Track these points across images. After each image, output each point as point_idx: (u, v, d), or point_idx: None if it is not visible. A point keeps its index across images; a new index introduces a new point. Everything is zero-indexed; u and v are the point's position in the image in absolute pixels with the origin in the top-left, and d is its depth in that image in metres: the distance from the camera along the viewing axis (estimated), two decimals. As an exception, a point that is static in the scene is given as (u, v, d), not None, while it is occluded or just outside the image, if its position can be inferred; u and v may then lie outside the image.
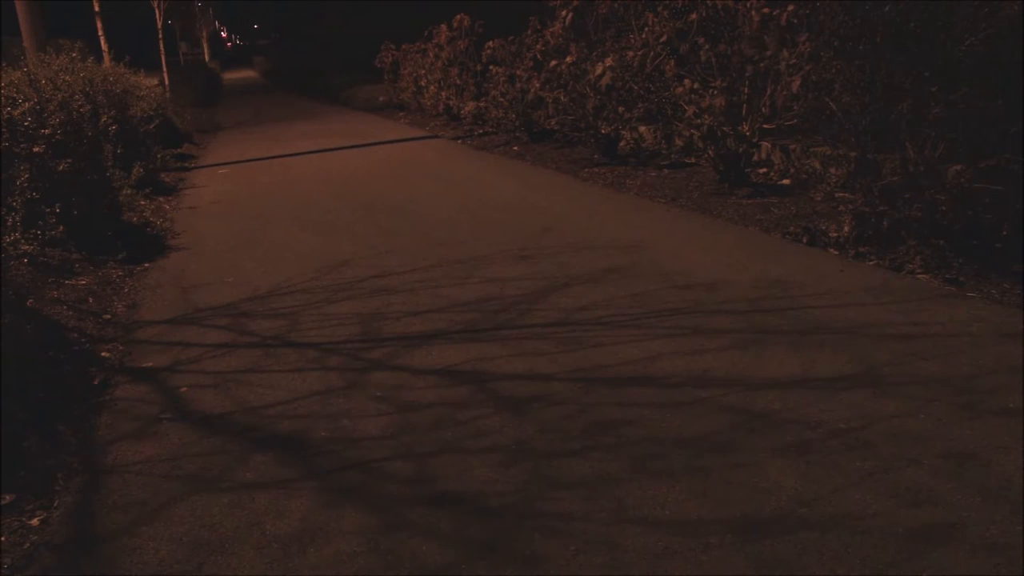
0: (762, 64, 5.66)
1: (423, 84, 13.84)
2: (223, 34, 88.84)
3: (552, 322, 3.60)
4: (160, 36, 18.10)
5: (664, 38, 6.48)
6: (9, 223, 4.73)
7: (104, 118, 6.32)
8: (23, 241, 4.69)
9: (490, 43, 10.31)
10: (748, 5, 5.68)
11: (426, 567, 1.99)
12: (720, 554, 1.94)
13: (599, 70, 7.17)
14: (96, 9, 13.01)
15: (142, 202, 6.95)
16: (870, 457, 2.30)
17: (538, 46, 8.78)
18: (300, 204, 6.97)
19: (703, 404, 2.71)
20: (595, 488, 2.26)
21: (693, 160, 7.20)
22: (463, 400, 2.89)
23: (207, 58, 44.73)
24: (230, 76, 41.10)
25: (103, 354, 3.63)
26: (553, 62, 8.03)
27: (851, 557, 1.89)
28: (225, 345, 3.65)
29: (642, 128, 8.14)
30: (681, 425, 2.57)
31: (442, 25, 12.26)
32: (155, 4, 17.29)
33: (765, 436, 2.46)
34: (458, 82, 12.08)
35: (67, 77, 5.82)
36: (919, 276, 3.85)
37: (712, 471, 2.30)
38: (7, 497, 2.45)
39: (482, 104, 11.06)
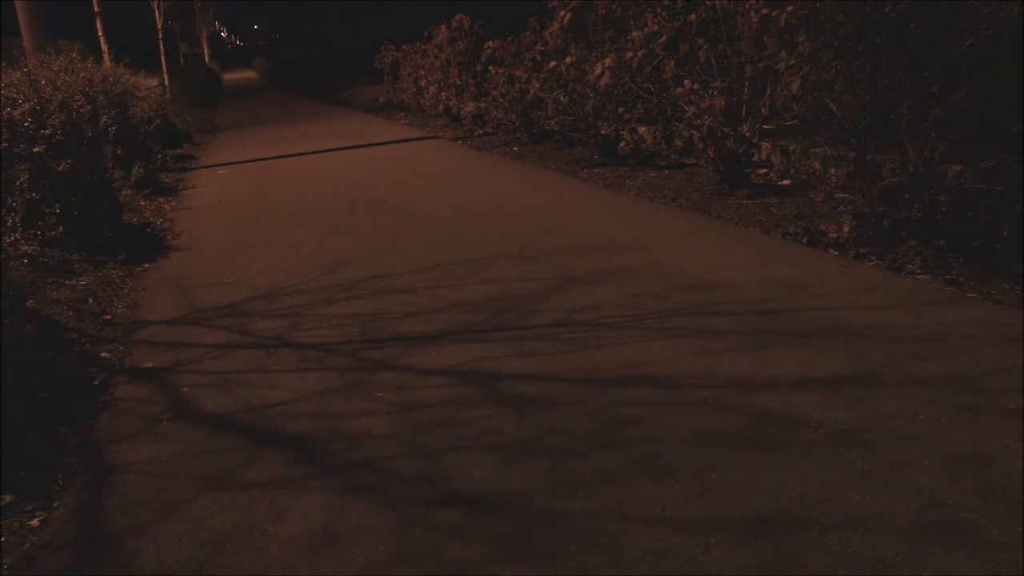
0: (761, 64, 5.66)
1: (423, 84, 13.84)
2: (223, 34, 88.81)
3: (553, 323, 3.60)
4: (160, 36, 18.10)
5: (663, 39, 6.48)
6: (9, 223, 4.73)
7: (104, 119, 6.32)
8: (23, 241, 4.69)
9: (489, 43, 10.31)
10: (747, 6, 5.68)
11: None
12: (721, 552, 1.94)
13: (598, 70, 7.16)
14: (96, 9, 13.02)
15: (142, 203, 6.96)
16: (869, 458, 2.31)
17: (537, 46, 8.78)
18: (300, 205, 6.97)
19: (704, 404, 2.72)
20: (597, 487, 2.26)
21: (693, 161, 7.20)
22: (464, 399, 2.90)
23: (207, 58, 44.72)
24: (230, 76, 41.07)
25: (103, 354, 3.63)
26: (552, 63, 8.02)
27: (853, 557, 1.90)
28: (226, 345, 3.65)
29: (642, 129, 8.14)
30: (682, 424, 2.58)
31: (442, 25, 12.25)
32: (155, 4, 17.29)
33: (766, 435, 2.46)
34: (458, 82, 12.08)
35: (67, 77, 5.81)
36: (919, 277, 3.85)
37: (714, 469, 2.30)
38: (7, 497, 2.45)
39: (482, 105, 11.06)
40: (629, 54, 6.93)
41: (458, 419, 2.74)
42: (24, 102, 4.93)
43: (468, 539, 2.09)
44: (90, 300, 4.36)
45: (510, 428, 2.65)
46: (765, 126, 5.97)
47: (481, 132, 11.21)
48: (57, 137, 4.98)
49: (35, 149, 4.82)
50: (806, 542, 1.96)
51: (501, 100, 10.00)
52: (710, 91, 5.95)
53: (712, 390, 2.81)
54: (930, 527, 1.99)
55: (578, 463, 2.39)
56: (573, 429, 2.60)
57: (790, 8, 5.38)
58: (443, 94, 12.84)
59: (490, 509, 2.20)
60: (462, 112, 11.91)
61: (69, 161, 5.00)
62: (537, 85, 8.76)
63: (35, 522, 2.34)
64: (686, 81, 6.19)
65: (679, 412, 2.67)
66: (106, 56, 12.28)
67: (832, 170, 5.40)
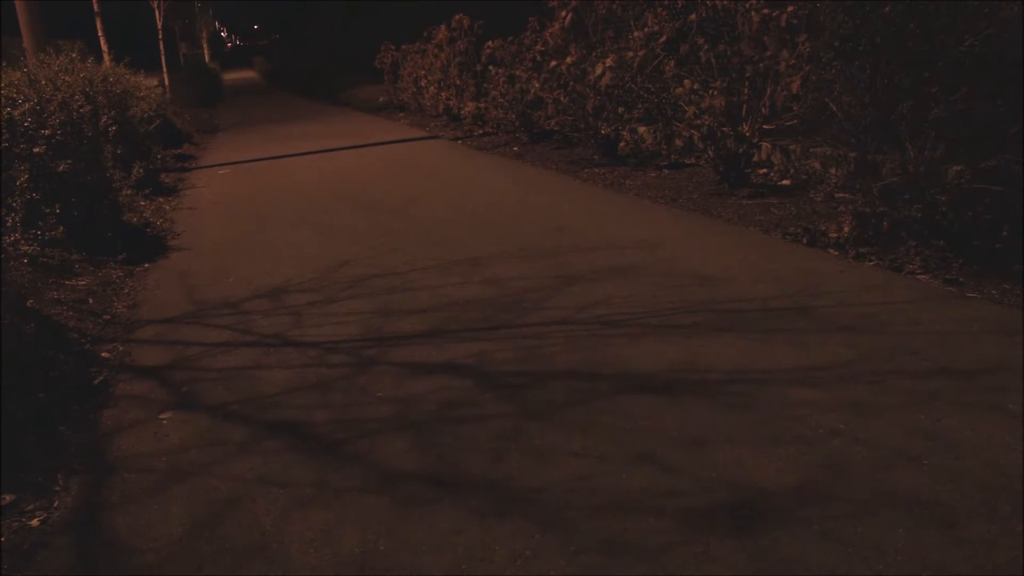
0: (762, 64, 5.67)
1: (423, 84, 13.85)
2: (223, 34, 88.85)
3: (553, 321, 3.60)
4: (160, 36, 18.10)
5: (663, 39, 6.49)
6: (9, 223, 4.73)
7: (104, 119, 6.32)
8: (23, 242, 4.68)
9: (489, 43, 10.32)
10: (748, 6, 5.69)
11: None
12: (714, 540, 1.95)
13: (599, 70, 7.17)
14: (96, 9, 13.02)
15: (142, 202, 6.96)
16: (870, 456, 2.31)
17: (537, 46, 8.78)
18: (301, 204, 6.97)
19: (705, 402, 2.72)
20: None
21: (693, 161, 7.20)
22: (463, 393, 2.90)
23: (207, 58, 44.70)
24: (230, 76, 41.09)
25: (103, 354, 3.63)
26: (552, 62, 8.03)
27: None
28: (226, 344, 3.65)
29: (642, 128, 8.15)
30: (681, 420, 2.58)
31: (442, 25, 12.26)
32: (155, 4, 17.29)
33: (763, 432, 2.47)
34: (458, 82, 12.09)
35: (67, 77, 5.82)
36: (919, 276, 3.85)
37: (712, 459, 2.30)
38: (7, 497, 2.45)
39: (482, 105, 11.06)
40: (629, 54, 6.94)
41: (456, 411, 2.75)
42: (24, 102, 4.93)
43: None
44: (90, 300, 4.36)
45: (503, 416, 2.65)
46: (765, 126, 5.98)
47: (481, 132, 11.21)
48: (57, 137, 4.98)
49: (35, 149, 4.82)
50: (789, 527, 1.96)
51: (501, 100, 10.01)
52: (710, 91, 5.95)
53: (713, 385, 2.81)
54: (928, 523, 1.99)
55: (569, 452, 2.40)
56: (571, 420, 2.61)
57: (791, 8, 5.39)
58: (443, 94, 12.84)
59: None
60: (462, 112, 11.92)
61: (69, 161, 5.00)
62: (537, 85, 8.77)
63: (35, 522, 2.34)
64: (686, 81, 6.19)
65: (680, 407, 2.68)
66: (106, 56, 12.29)
67: (832, 170, 5.40)
